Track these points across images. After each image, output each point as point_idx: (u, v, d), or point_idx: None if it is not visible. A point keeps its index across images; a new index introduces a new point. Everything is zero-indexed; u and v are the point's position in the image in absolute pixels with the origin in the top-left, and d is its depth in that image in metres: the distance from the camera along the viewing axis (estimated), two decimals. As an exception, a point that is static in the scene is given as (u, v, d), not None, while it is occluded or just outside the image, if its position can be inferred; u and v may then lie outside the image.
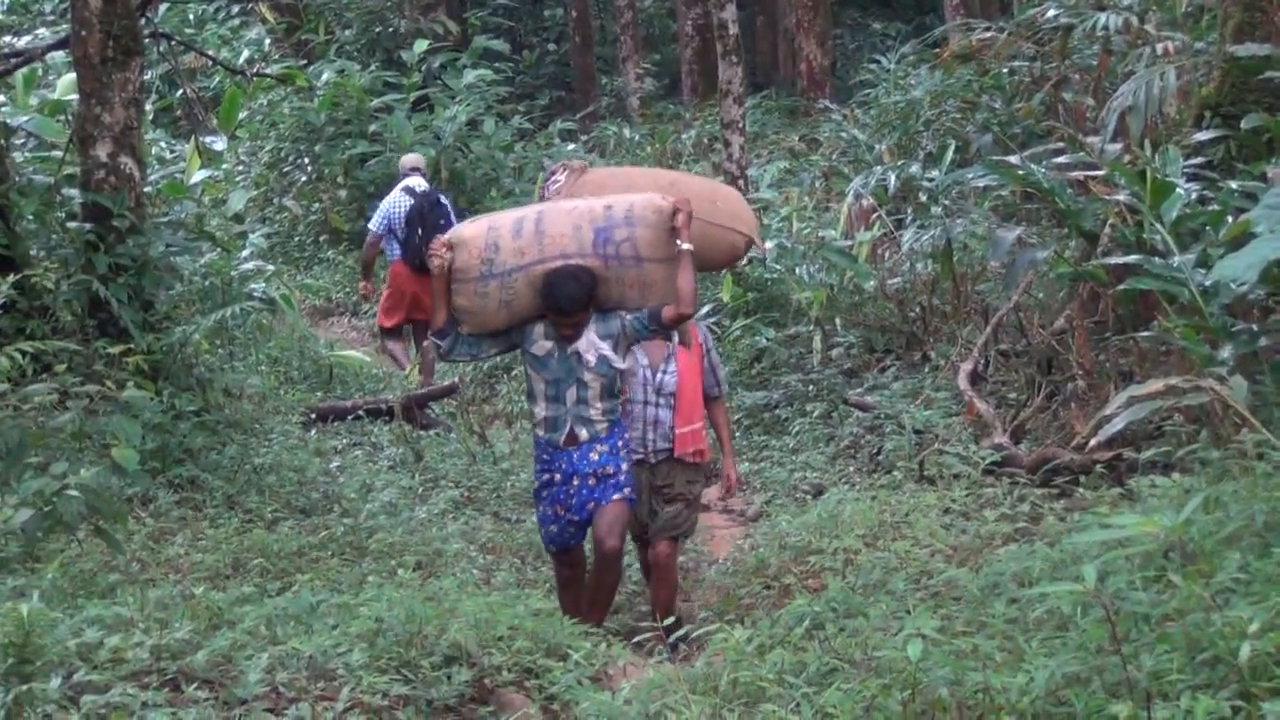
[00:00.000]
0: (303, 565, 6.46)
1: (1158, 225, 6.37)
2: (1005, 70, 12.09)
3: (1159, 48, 9.28)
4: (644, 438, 6.38)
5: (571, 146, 16.96)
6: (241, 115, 14.40)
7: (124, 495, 6.60)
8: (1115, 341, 7.41)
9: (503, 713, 4.65)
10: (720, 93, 12.73)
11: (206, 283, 9.31)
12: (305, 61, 17.03)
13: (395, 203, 11.33)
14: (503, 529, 7.91)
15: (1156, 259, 6.16)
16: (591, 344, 6.00)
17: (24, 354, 6.11)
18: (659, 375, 6.40)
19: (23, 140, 9.30)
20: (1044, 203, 8.61)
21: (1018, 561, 4.86)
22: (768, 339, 10.43)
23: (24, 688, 3.91)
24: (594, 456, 6.01)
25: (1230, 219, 6.05)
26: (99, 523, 5.43)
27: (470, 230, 6.07)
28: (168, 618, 4.72)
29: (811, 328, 10.21)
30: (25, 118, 9.25)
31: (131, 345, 7.23)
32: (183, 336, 7.99)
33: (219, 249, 9.71)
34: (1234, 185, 6.55)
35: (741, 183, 11.98)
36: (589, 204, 6.07)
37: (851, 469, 8.52)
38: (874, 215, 10.54)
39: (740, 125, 12.52)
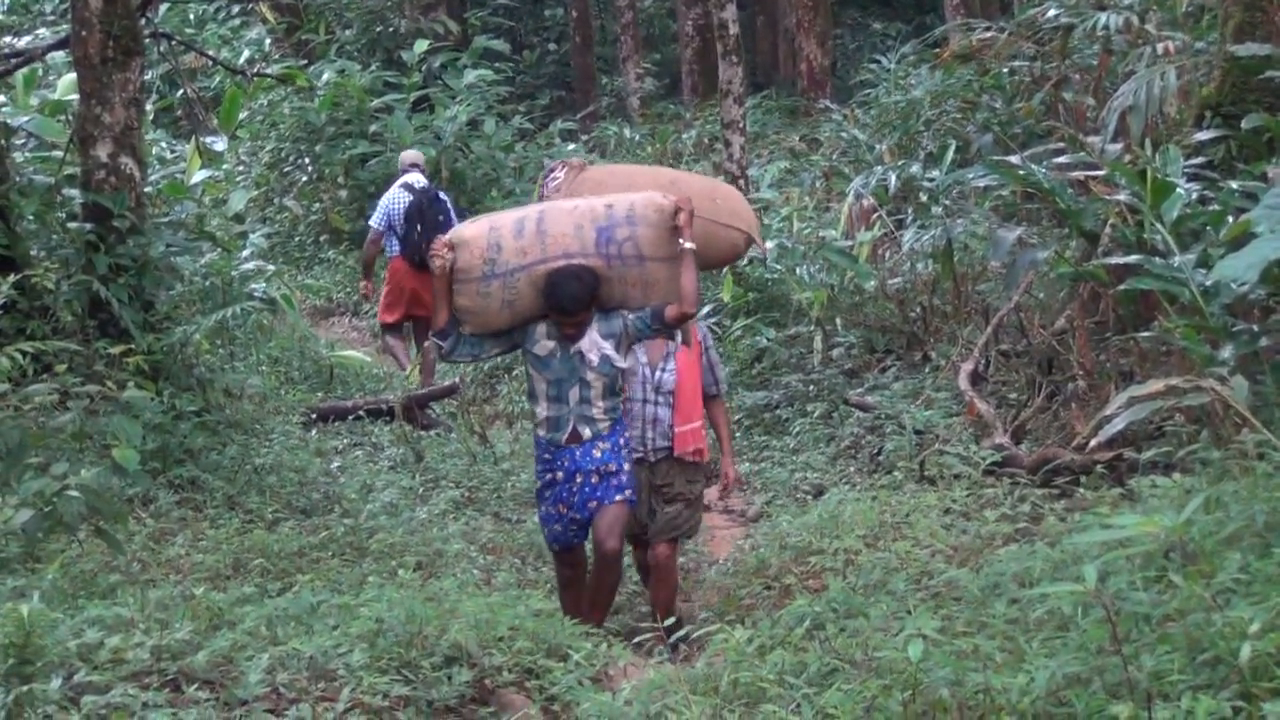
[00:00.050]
0: (303, 566, 6.46)
1: (1158, 225, 6.36)
2: (1006, 70, 12.09)
3: (1159, 47, 9.27)
4: (643, 436, 6.38)
5: (572, 146, 16.96)
6: (242, 115, 14.42)
7: (124, 496, 6.59)
8: (1116, 342, 7.41)
9: (503, 713, 4.65)
10: (720, 93, 12.73)
11: (207, 283, 9.31)
12: (306, 61, 17.03)
13: (394, 199, 11.33)
14: (503, 529, 7.91)
15: (1157, 259, 6.16)
16: (594, 343, 5.99)
17: (24, 354, 6.11)
18: (658, 373, 6.40)
19: (23, 140, 9.30)
20: (1044, 203, 8.61)
21: (1018, 562, 4.86)
22: (768, 339, 10.43)
23: (24, 688, 3.91)
24: (596, 454, 6.01)
25: (1231, 219, 6.04)
26: (99, 523, 5.43)
27: (472, 230, 6.06)
28: (168, 618, 4.72)
29: (812, 328, 10.21)
30: (26, 118, 9.25)
31: (132, 345, 7.23)
32: (183, 337, 7.99)
33: (219, 249, 9.71)
34: (1234, 185, 6.54)
35: (742, 183, 11.98)
36: (590, 203, 6.07)
37: (852, 469, 8.52)
38: (874, 215, 10.54)
39: (741, 125, 12.53)
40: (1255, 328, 5.69)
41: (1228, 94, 7.70)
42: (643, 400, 6.39)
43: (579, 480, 6.01)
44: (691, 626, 5.16)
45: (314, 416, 9.73)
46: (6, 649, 4.03)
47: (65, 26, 11.54)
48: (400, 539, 7.05)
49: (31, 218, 8.10)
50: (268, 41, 18.94)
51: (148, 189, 8.73)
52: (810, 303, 10.13)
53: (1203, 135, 7.54)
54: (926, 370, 9.37)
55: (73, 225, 7.97)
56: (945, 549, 5.78)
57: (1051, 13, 11.10)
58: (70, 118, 8.95)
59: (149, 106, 12.77)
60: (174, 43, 11.56)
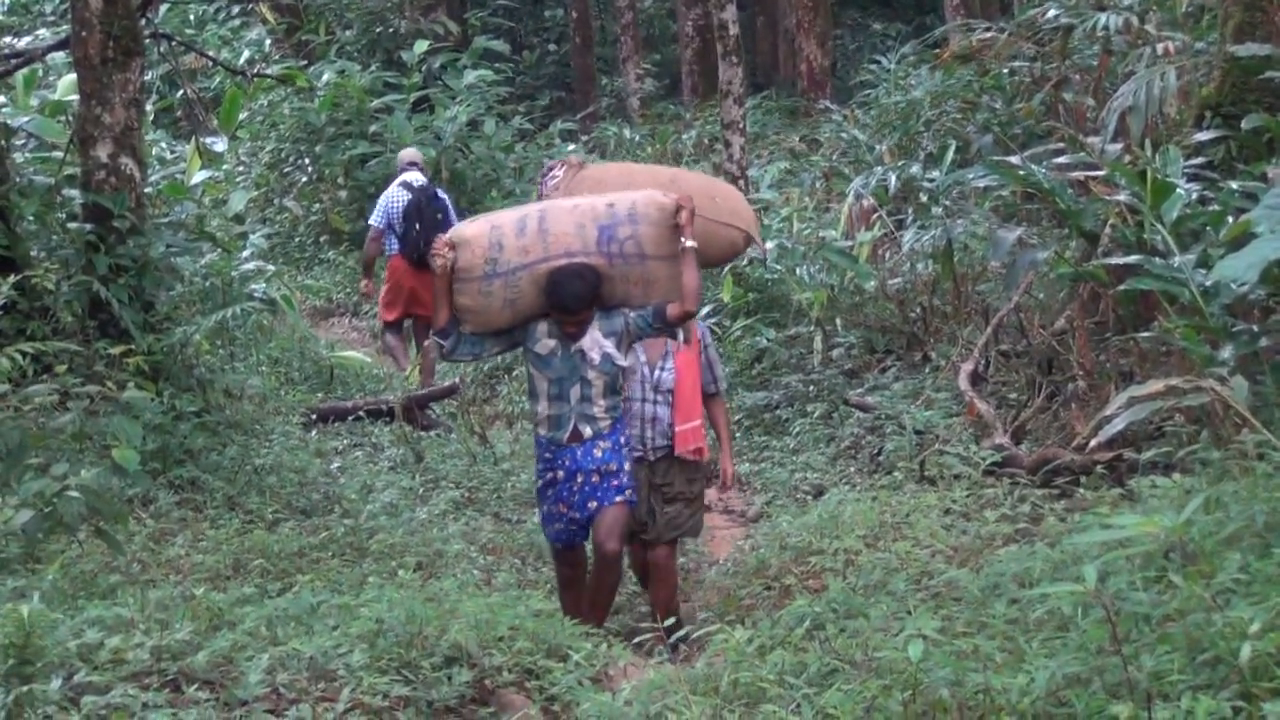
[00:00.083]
0: (303, 566, 6.46)
1: (1158, 225, 6.37)
2: (1006, 70, 12.10)
3: (1159, 48, 9.28)
4: (643, 435, 6.37)
5: (572, 147, 16.95)
6: (242, 116, 14.42)
7: (124, 496, 6.59)
8: (1116, 342, 7.41)
9: (503, 713, 4.64)
10: (720, 93, 12.73)
11: (207, 283, 9.31)
12: (306, 62, 17.03)
13: (393, 198, 11.33)
14: (503, 530, 7.91)
15: (1157, 259, 6.16)
16: (595, 342, 5.99)
17: (25, 355, 6.10)
18: (657, 372, 6.40)
19: (23, 141, 9.29)
20: (1044, 203, 8.61)
21: (1018, 562, 4.87)
22: (768, 339, 10.43)
23: (24, 689, 3.91)
24: (597, 453, 6.01)
25: (1231, 219, 6.05)
26: (99, 524, 5.43)
27: (473, 229, 6.05)
28: (168, 619, 4.72)
29: (812, 328, 10.21)
30: (26, 118, 9.24)
31: (132, 346, 7.23)
32: (183, 337, 7.99)
33: (219, 250, 9.71)
34: (1234, 185, 6.55)
35: (742, 183, 11.98)
36: (592, 202, 6.06)
37: (852, 469, 8.52)
38: (874, 216, 10.55)
39: (741, 126, 12.53)
40: (1255, 328, 5.70)
41: (1227, 94, 7.70)
42: (642, 399, 6.38)
43: (579, 480, 6.01)
44: (692, 627, 5.16)
45: (314, 417, 9.73)
46: (7, 649, 4.03)
47: (65, 27, 11.54)
48: (400, 539, 7.05)
49: (32, 218, 8.10)
50: (268, 42, 18.94)
51: (148, 189, 8.73)
52: (810, 303, 10.13)
53: (1203, 135, 7.54)
54: (926, 370, 9.37)
55: (73, 226, 7.97)
56: (945, 549, 5.79)
57: (1051, 13, 11.10)
58: (70, 118, 8.95)
59: (149, 107, 12.77)
60: (174, 43, 11.56)
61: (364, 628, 4.73)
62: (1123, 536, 3.60)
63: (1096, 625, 3.79)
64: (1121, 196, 6.95)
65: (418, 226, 11.00)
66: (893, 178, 10.98)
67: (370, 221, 11.52)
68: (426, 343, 10.72)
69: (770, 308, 10.83)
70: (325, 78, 16.27)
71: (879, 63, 16.06)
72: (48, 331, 7.36)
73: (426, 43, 17.08)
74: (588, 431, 6.01)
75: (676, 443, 6.38)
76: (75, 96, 8.44)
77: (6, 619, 4.09)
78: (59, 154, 8.62)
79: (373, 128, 15.85)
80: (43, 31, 15.86)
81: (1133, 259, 6.41)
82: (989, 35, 12.53)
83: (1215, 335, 5.72)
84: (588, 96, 21.81)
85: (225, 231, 10.57)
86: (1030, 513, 6.21)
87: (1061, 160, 8.01)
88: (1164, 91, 8.18)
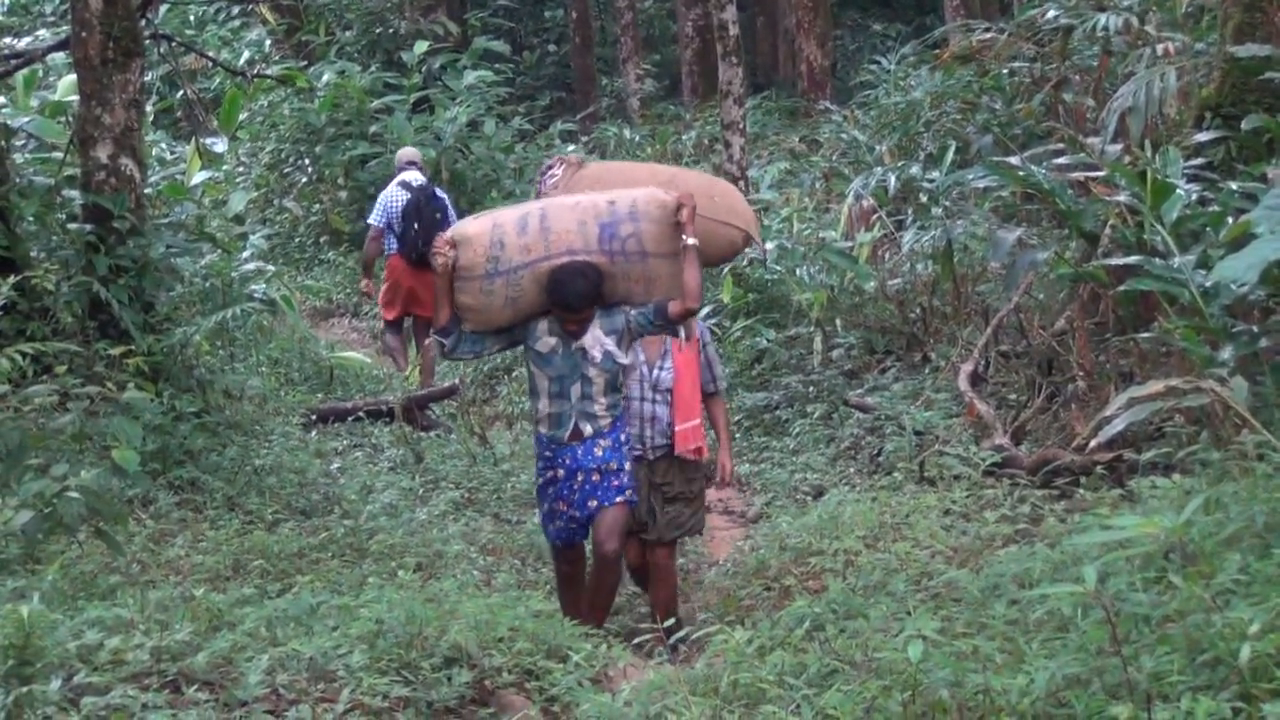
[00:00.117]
0: (303, 567, 6.46)
1: (1158, 226, 6.37)
2: (1005, 71, 12.10)
3: (1159, 48, 9.28)
4: (642, 434, 6.38)
5: (572, 148, 16.95)
6: (242, 116, 14.43)
7: (124, 497, 6.59)
8: (1116, 343, 7.41)
9: (503, 714, 4.65)
10: (720, 94, 12.74)
11: (207, 284, 9.32)
12: (306, 63, 17.03)
13: (392, 197, 11.33)
14: (503, 530, 7.91)
15: (1157, 260, 6.16)
16: (596, 339, 5.98)
17: (24, 355, 6.10)
18: (655, 371, 6.40)
19: (23, 142, 9.29)
20: (1044, 204, 8.61)
21: (1018, 563, 4.87)
22: (768, 340, 10.43)
23: (24, 689, 3.91)
24: (598, 452, 6.01)
25: (1230, 220, 6.05)
26: (99, 524, 5.43)
27: (474, 228, 6.04)
28: (168, 619, 4.72)
29: (812, 329, 10.21)
30: (26, 119, 9.24)
31: (132, 347, 7.23)
32: (183, 338, 7.99)
33: (219, 250, 9.71)
34: (1234, 186, 6.55)
35: (742, 184, 11.98)
36: (593, 199, 6.05)
37: (852, 470, 8.52)
38: (874, 216, 10.55)
39: (741, 126, 12.53)
40: (1255, 329, 5.70)
41: (1227, 95, 7.70)
42: (640, 398, 6.39)
43: (580, 478, 6.00)
44: (691, 627, 5.16)
45: (314, 418, 9.73)
46: (6, 650, 4.03)
47: (65, 28, 11.53)
48: (400, 540, 7.05)
49: (31, 219, 8.10)
50: (268, 43, 18.94)
51: (148, 190, 8.73)
52: (810, 304, 10.13)
53: (1202, 136, 7.54)
54: (926, 371, 9.38)
55: (73, 226, 7.97)
56: (945, 550, 5.78)
57: (1051, 14, 11.11)
58: (70, 119, 8.95)
59: (149, 108, 12.78)
60: (174, 44, 11.57)
61: (364, 628, 4.73)
62: (1122, 537, 3.60)
63: (1096, 626, 3.79)
64: (1121, 197, 6.95)
65: (416, 226, 11.00)
66: (892, 178, 10.98)
67: (369, 221, 11.51)
68: (427, 341, 10.73)
69: (770, 308, 10.84)
70: (325, 78, 16.28)
71: (879, 63, 16.07)
72: (48, 332, 7.36)
73: (426, 43, 17.09)
74: (588, 429, 6.01)
75: (676, 442, 6.38)
76: (75, 97, 8.44)
77: (6, 620, 4.09)
78: (59, 155, 8.62)
79: (373, 128, 15.86)
80: (43, 32, 15.85)
81: (1132, 260, 6.41)
82: (989, 36, 12.54)
83: (1215, 336, 5.72)
84: (588, 97, 21.82)
85: (225, 232, 10.56)
86: (1030, 513, 6.21)
87: (1061, 161, 8.01)
88: (1164, 92, 8.18)
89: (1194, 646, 3.59)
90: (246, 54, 18.43)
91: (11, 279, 7.00)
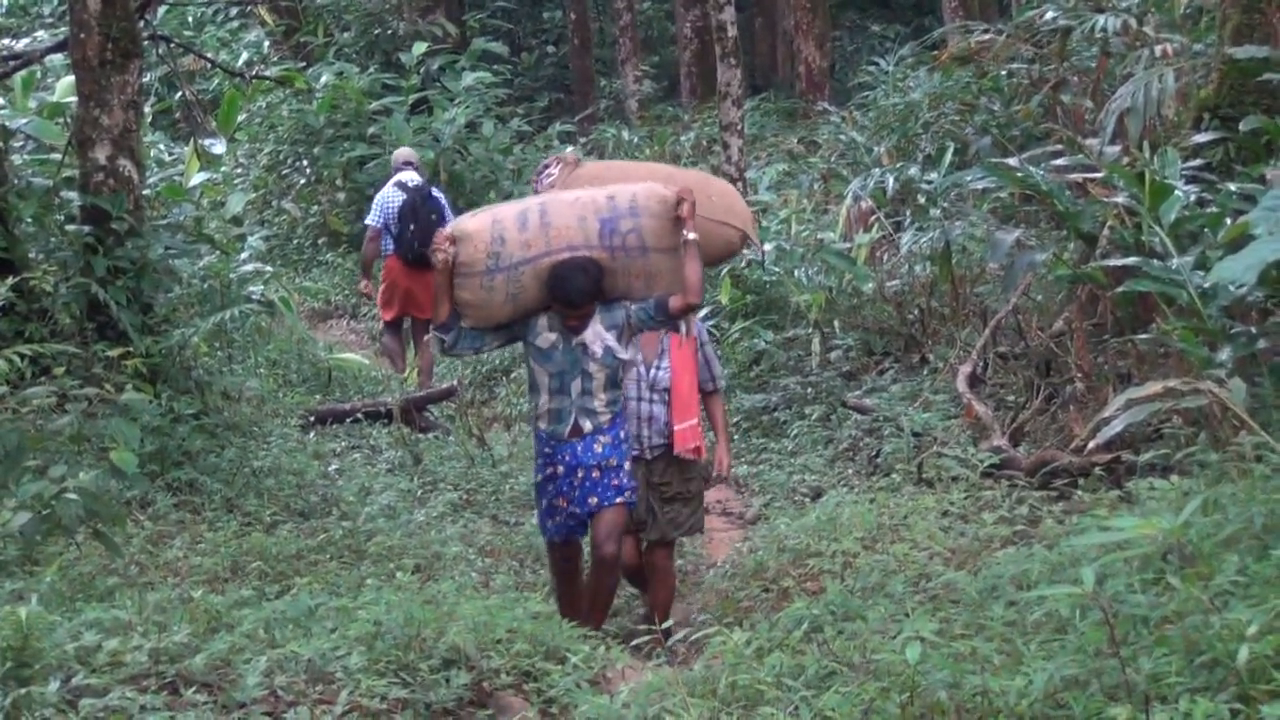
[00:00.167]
0: (301, 568, 6.46)
1: (1156, 227, 6.37)
2: (1004, 72, 12.11)
3: (1157, 50, 9.29)
4: (639, 434, 6.38)
5: (570, 149, 16.93)
6: (240, 118, 14.41)
7: (122, 498, 6.59)
8: (1114, 344, 7.41)
9: (501, 716, 4.65)
10: (719, 95, 12.73)
11: (205, 285, 9.31)
12: (304, 64, 17.02)
13: (388, 197, 11.31)
14: (501, 532, 7.91)
15: (1155, 261, 6.16)
16: (597, 335, 5.97)
17: (23, 357, 6.10)
18: (653, 371, 6.40)
19: (21, 143, 9.28)
20: (1043, 205, 8.62)
21: (1016, 564, 4.87)
22: (766, 341, 10.43)
23: (22, 691, 3.91)
24: (598, 449, 6.00)
25: (1229, 221, 6.05)
26: (97, 526, 5.43)
27: (474, 224, 6.02)
28: (166, 621, 4.72)
29: (810, 330, 10.21)
30: (24, 120, 9.23)
31: (130, 348, 7.22)
32: (181, 339, 7.99)
33: (218, 252, 9.71)
34: (1232, 187, 6.56)
35: (740, 185, 11.97)
36: (592, 195, 6.03)
37: (850, 471, 8.52)
38: (873, 217, 10.55)
39: (739, 127, 12.53)
40: (1253, 330, 5.70)
41: (1226, 96, 7.71)
42: (638, 398, 6.38)
43: (580, 475, 6.00)
44: (690, 629, 5.16)
45: (312, 419, 9.73)
46: (4, 652, 4.02)
47: (64, 29, 11.54)
48: (398, 541, 7.05)
49: (30, 220, 8.10)
50: (266, 44, 18.93)
51: (146, 191, 8.72)
52: (808, 305, 10.13)
53: (1201, 137, 7.54)
54: (925, 372, 9.38)
55: (71, 228, 7.97)
56: (943, 551, 5.79)
57: (1050, 15, 11.11)
58: (69, 120, 8.94)
59: (147, 109, 12.79)
60: (172, 45, 11.56)
61: (362, 630, 4.72)
62: (1121, 538, 3.61)
63: (1094, 627, 3.79)
64: (1120, 198, 6.95)
65: (412, 227, 10.99)
66: (891, 179, 10.99)
67: (367, 221, 11.50)
68: (426, 338, 10.73)
69: (768, 310, 10.83)
70: (324, 79, 16.26)
71: (877, 64, 16.06)
72: (46, 333, 7.36)
73: (425, 44, 17.08)
74: (588, 426, 6.01)
75: (675, 442, 6.38)
76: (73, 98, 8.44)
77: (4, 621, 4.09)
78: (57, 156, 8.61)
79: (371, 129, 15.85)
80: (41, 33, 15.83)
81: (1131, 261, 6.41)
82: (987, 37, 12.54)
83: (1213, 337, 5.72)
84: (586, 98, 21.82)
85: (223, 233, 10.56)
86: (1028, 515, 6.21)
87: (1060, 162, 8.02)
88: (1162, 93, 8.18)
89: (1192, 648, 3.59)
90: (245, 55, 18.42)
91: (10, 280, 7.01)
